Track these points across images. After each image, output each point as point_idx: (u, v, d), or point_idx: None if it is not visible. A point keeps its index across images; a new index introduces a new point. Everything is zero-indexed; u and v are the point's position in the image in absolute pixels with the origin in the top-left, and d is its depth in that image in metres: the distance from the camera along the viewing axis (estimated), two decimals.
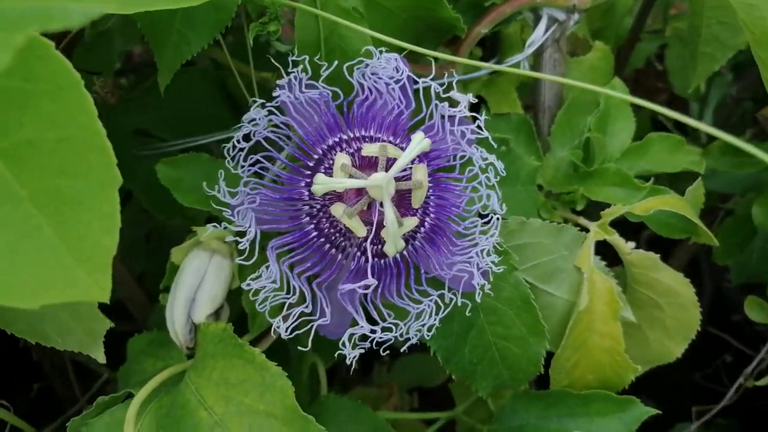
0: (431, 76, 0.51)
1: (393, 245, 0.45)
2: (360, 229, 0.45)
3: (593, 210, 0.72)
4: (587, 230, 0.67)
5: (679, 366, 1.50)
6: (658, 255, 0.68)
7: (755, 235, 1.08)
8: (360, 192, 0.46)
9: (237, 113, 0.89)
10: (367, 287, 0.46)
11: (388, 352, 0.95)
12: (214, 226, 0.52)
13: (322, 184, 0.44)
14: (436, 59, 0.62)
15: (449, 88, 0.51)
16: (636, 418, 0.67)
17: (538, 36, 0.70)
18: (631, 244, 0.67)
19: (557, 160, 0.73)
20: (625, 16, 1.12)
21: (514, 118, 0.74)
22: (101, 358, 0.49)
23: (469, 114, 0.51)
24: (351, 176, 0.45)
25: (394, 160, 0.46)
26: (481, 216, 0.53)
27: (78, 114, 0.32)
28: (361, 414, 0.64)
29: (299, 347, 0.48)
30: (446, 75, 0.52)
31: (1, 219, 0.32)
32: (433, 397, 1.21)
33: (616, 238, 0.66)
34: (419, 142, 0.45)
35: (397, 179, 0.45)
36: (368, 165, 0.48)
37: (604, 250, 0.69)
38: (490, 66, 0.57)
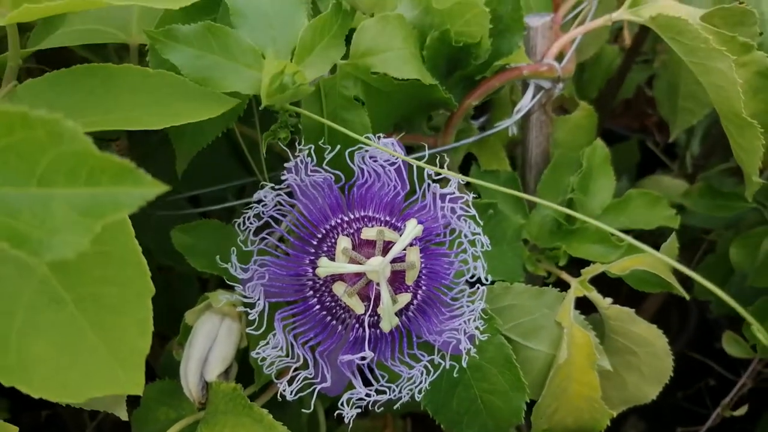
0: (425, 155, 0.56)
1: (388, 322, 0.50)
2: (359, 307, 0.50)
3: (576, 264, 0.78)
4: (568, 285, 0.72)
5: (665, 390, 1.56)
6: (633, 309, 0.73)
7: (733, 272, 1.13)
8: (359, 274, 0.51)
9: (242, 163, 0.95)
10: (363, 359, 0.51)
11: None
12: (226, 295, 0.57)
13: (325, 267, 0.49)
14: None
15: (442, 161, 0.56)
16: None
17: (525, 102, 0.75)
18: (608, 300, 0.72)
19: (542, 217, 0.78)
20: (613, 61, 1.18)
21: (503, 175, 0.79)
22: (124, 416, 0.54)
23: (457, 194, 0.57)
24: (351, 259, 0.50)
25: (388, 242, 0.51)
26: (470, 284, 0.58)
27: (118, 233, 0.37)
28: None
29: (303, 409, 0.53)
30: (439, 148, 0.57)
31: (48, 321, 0.37)
32: (425, 421, 1.26)
33: (594, 295, 0.72)
34: (413, 228, 0.50)
35: (393, 262, 0.50)
36: (367, 245, 0.53)
37: (582, 299, 0.74)
38: (470, 140, 0.63)
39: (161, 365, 0.77)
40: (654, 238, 0.88)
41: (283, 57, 0.46)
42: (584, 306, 0.74)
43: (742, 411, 1.14)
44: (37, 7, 0.38)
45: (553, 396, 0.71)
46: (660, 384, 0.79)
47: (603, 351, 0.73)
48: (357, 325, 0.53)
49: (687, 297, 0.77)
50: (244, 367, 0.64)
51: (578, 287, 0.71)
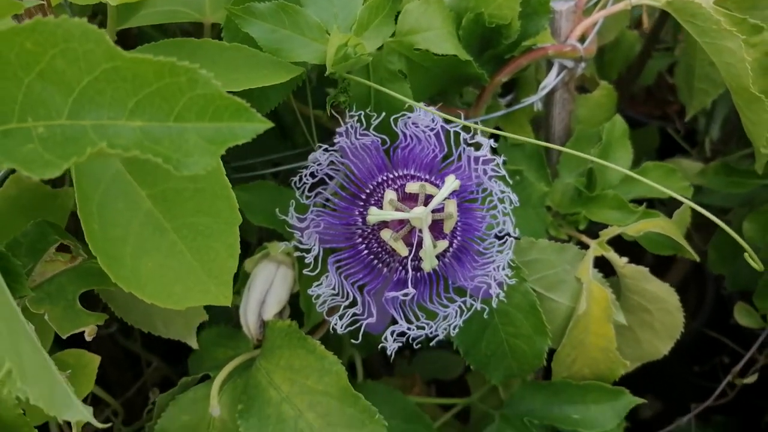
0: (461, 120, 0.64)
1: (429, 263, 0.57)
2: (403, 250, 0.58)
3: (594, 228, 0.84)
4: (588, 246, 0.79)
5: (681, 367, 1.62)
6: (648, 268, 0.80)
7: None
8: (403, 221, 0.59)
9: (284, 134, 1.03)
10: (406, 295, 0.59)
11: (410, 347, 1.10)
12: (285, 243, 0.65)
13: (375, 215, 0.57)
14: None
15: (475, 133, 0.64)
16: (625, 406, 0.79)
17: (550, 80, 0.82)
18: (624, 259, 0.79)
19: (564, 185, 0.85)
20: (633, 46, 1.23)
21: (527, 148, 0.86)
22: (194, 344, 0.62)
23: (489, 156, 0.64)
24: (397, 209, 0.57)
25: (429, 195, 0.59)
26: (498, 237, 0.65)
27: (211, 173, 0.45)
28: (393, 397, 0.77)
29: (352, 340, 0.61)
30: (472, 120, 0.65)
31: (154, 247, 0.45)
32: (449, 388, 1.34)
33: (612, 255, 0.78)
34: (451, 183, 0.57)
35: (433, 212, 0.58)
36: (410, 198, 0.60)
37: (601, 263, 0.81)
38: (500, 114, 0.70)
39: (214, 314, 0.85)
40: (668, 211, 0.94)
41: (344, 32, 0.54)
42: (602, 268, 0.81)
43: (752, 379, 1.20)
44: None
45: (572, 346, 0.78)
46: (672, 339, 0.85)
47: (619, 307, 0.80)
48: (400, 268, 0.61)
49: (697, 259, 0.83)
50: (294, 313, 0.72)
51: (597, 247, 0.78)
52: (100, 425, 0.36)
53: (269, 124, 0.34)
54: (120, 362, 1.02)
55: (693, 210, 1.43)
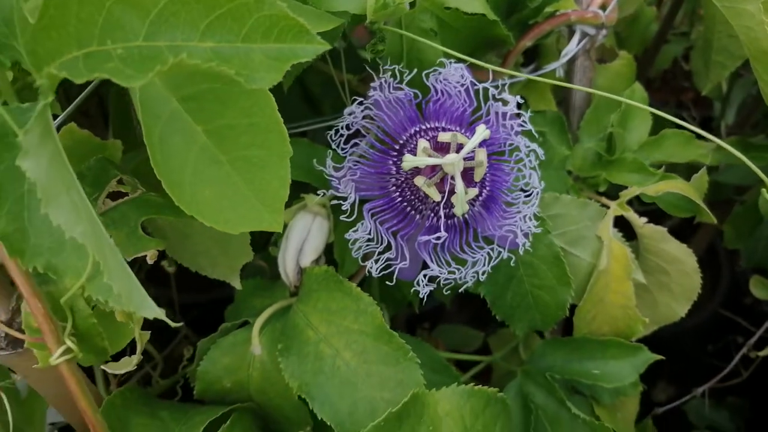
0: (488, 81, 0.67)
1: (460, 207, 0.60)
2: (436, 195, 0.61)
3: (613, 191, 0.87)
4: (608, 207, 0.82)
5: (695, 348, 1.64)
6: (666, 229, 0.83)
7: (762, 222, 1.20)
8: (435, 168, 0.62)
9: (312, 105, 1.06)
10: (438, 239, 0.62)
11: (430, 319, 1.12)
12: (321, 194, 0.68)
13: (409, 161, 0.60)
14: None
15: (502, 90, 0.67)
16: (643, 362, 0.82)
17: (571, 47, 0.85)
18: (643, 219, 0.82)
19: (585, 150, 0.88)
20: (650, 23, 1.26)
21: (549, 115, 0.89)
22: (238, 285, 0.66)
23: (516, 111, 0.67)
24: (430, 156, 0.61)
25: (460, 144, 0.62)
26: (524, 191, 0.68)
27: (264, 107, 0.48)
28: (422, 348, 0.80)
29: (386, 282, 0.64)
30: (499, 80, 0.68)
31: (210, 177, 0.49)
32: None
33: (631, 214, 0.81)
34: (482, 132, 0.60)
35: (465, 160, 0.61)
36: (441, 148, 0.63)
37: (621, 226, 0.84)
38: (528, 76, 0.73)
39: (248, 269, 0.89)
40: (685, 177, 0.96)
41: None
42: (621, 231, 0.84)
43: (765, 352, 1.22)
44: None
45: (593, 303, 0.81)
46: (689, 301, 0.88)
47: (638, 266, 0.82)
48: (432, 215, 0.64)
49: (714, 221, 0.85)
50: (328, 264, 0.75)
51: (617, 207, 0.81)
52: (172, 324, 0.39)
53: (327, 46, 0.38)
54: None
55: (708, 188, 1.45)
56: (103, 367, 0.51)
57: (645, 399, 1.55)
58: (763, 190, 1.12)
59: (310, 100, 1.06)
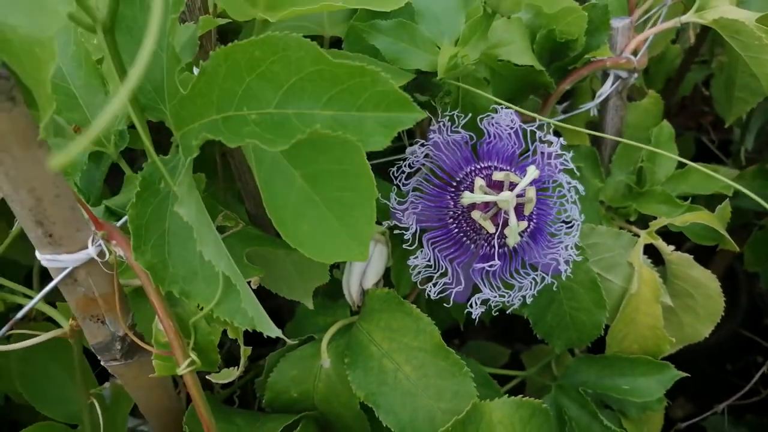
0: (535, 124, 0.75)
1: (513, 238, 0.68)
2: (491, 227, 0.69)
3: (642, 221, 0.95)
4: (638, 236, 0.90)
5: (715, 368, 1.70)
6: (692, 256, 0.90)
7: None
8: (489, 204, 0.70)
9: None
10: (492, 266, 0.70)
11: (459, 336, 1.20)
12: (381, 224, 0.76)
13: (468, 198, 0.68)
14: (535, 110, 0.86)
15: (547, 132, 0.75)
16: (670, 379, 0.89)
17: (606, 89, 0.93)
18: (672, 247, 0.89)
19: (616, 182, 0.95)
20: (675, 59, 1.34)
21: (583, 149, 0.97)
22: (310, 305, 0.74)
23: (559, 151, 0.75)
24: (486, 194, 0.69)
25: (512, 183, 0.70)
26: (566, 223, 0.76)
27: (354, 156, 0.56)
28: (469, 364, 0.87)
29: (444, 304, 0.72)
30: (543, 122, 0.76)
31: (308, 214, 0.57)
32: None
33: (660, 243, 0.89)
34: (533, 172, 0.68)
35: (517, 196, 0.69)
36: (494, 186, 0.71)
37: (651, 253, 0.91)
38: (566, 115, 0.81)
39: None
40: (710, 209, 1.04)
41: (450, 45, 0.65)
42: (651, 258, 0.91)
43: None
44: (300, 9, 0.58)
45: (624, 323, 0.89)
46: (713, 323, 0.95)
47: (666, 290, 0.90)
48: (485, 244, 0.72)
49: (737, 249, 0.93)
50: (385, 285, 0.83)
51: (647, 236, 0.88)
52: (288, 339, 0.47)
53: (425, 114, 0.46)
54: None
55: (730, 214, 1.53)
56: (208, 377, 0.60)
57: (665, 415, 1.61)
58: None
59: None
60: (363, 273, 0.78)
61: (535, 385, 1.04)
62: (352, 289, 0.78)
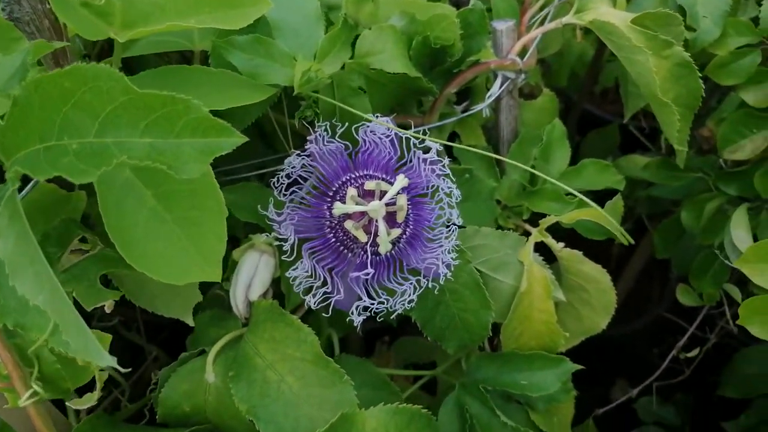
0: (412, 129, 0.76)
1: (384, 247, 0.69)
2: (363, 237, 0.70)
3: (537, 218, 0.97)
4: (529, 233, 0.91)
5: (646, 349, 1.74)
6: (582, 251, 0.92)
7: (685, 233, 1.30)
8: (363, 213, 0.71)
9: (266, 141, 1.14)
10: (367, 275, 0.71)
11: (389, 333, 1.21)
12: (267, 235, 0.76)
13: (339, 209, 0.69)
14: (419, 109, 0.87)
15: (423, 139, 0.76)
16: (565, 372, 0.91)
17: (495, 90, 0.94)
18: (561, 244, 0.91)
19: (511, 181, 0.97)
20: (580, 54, 1.36)
21: (480, 149, 0.98)
22: (191, 322, 0.74)
23: (437, 157, 0.76)
24: (357, 203, 0.69)
25: (384, 191, 0.71)
26: (447, 227, 0.77)
27: (203, 176, 0.56)
28: (363, 367, 0.88)
29: (323, 314, 0.73)
30: (426, 126, 0.77)
31: (158, 232, 0.57)
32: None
33: (549, 240, 0.91)
34: (401, 181, 0.69)
35: (387, 205, 0.70)
36: (369, 194, 0.72)
37: (542, 250, 0.93)
38: (454, 118, 0.82)
39: (208, 301, 0.96)
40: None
41: (308, 59, 0.66)
42: (545, 254, 0.93)
43: (693, 353, 1.32)
44: (147, 30, 0.58)
45: (519, 320, 0.90)
46: (608, 315, 0.97)
47: (558, 285, 0.92)
48: (362, 253, 0.72)
49: (632, 242, 0.95)
50: (276, 296, 0.83)
51: (537, 234, 0.90)
52: (122, 369, 0.48)
53: (244, 139, 0.46)
54: (121, 351, 1.13)
55: (646, 201, 1.57)
56: (68, 403, 0.59)
57: (602, 398, 1.65)
58: (682, 209, 1.22)
59: (264, 136, 1.14)
60: (249, 284, 0.78)
61: (445, 384, 1.05)
62: (238, 300, 0.78)
